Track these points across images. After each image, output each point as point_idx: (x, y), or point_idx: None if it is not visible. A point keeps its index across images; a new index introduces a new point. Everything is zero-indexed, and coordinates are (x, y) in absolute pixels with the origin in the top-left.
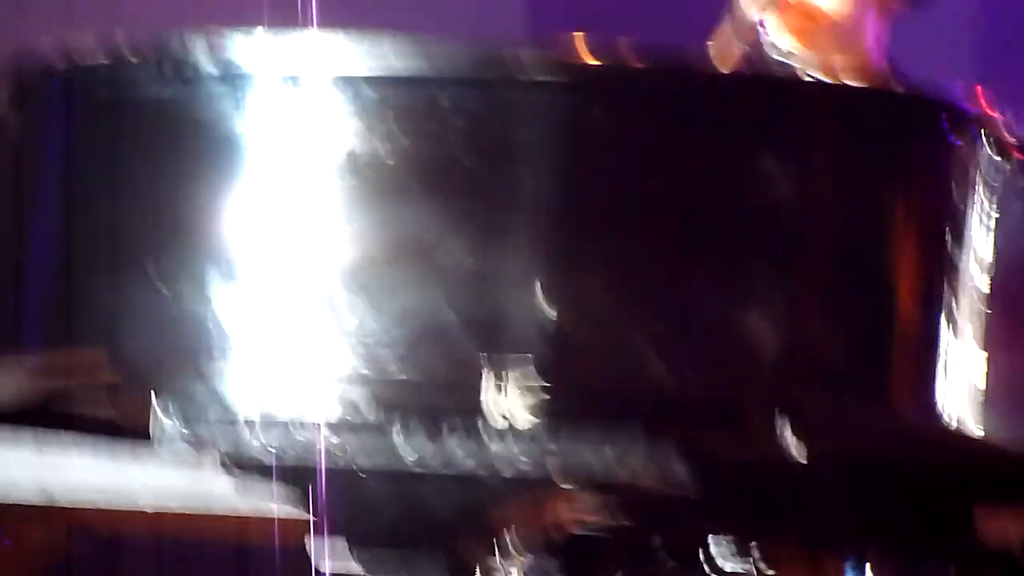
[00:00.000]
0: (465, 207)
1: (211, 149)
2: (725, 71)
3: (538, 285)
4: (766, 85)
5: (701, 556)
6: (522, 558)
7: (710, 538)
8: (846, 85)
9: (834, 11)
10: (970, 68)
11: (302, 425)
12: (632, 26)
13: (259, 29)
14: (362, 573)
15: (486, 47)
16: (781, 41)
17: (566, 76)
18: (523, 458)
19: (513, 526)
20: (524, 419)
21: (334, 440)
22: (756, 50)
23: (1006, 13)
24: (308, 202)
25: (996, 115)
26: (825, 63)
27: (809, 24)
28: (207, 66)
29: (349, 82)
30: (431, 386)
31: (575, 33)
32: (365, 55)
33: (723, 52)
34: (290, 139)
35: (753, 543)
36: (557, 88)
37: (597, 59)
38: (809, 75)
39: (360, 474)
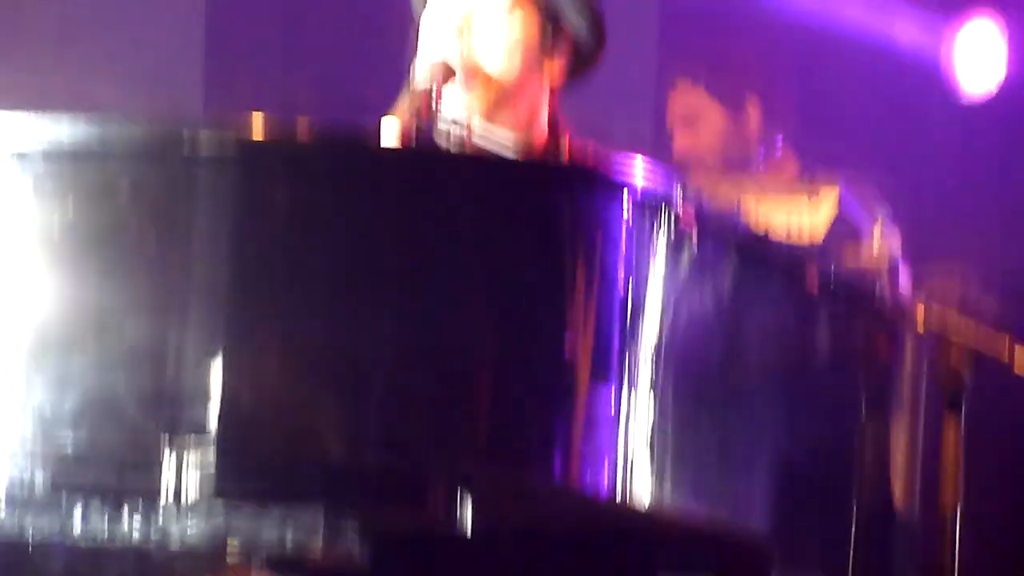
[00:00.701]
0: (144, 285)
1: None
2: (397, 143)
3: (217, 363)
4: (428, 159)
5: None
6: None
7: None
8: (504, 158)
9: (500, 75)
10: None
11: None
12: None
13: None
14: None
15: (161, 125)
16: (452, 109)
17: (241, 153)
18: (199, 535)
19: None
20: (202, 497)
21: (10, 516)
22: (430, 119)
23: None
24: None
25: (672, 190)
26: (495, 132)
27: (479, 91)
28: None
29: (26, 158)
30: (110, 464)
31: (253, 112)
32: (43, 132)
33: (400, 124)
34: None
35: None
36: (232, 164)
37: (271, 136)
38: (475, 145)
39: (34, 550)
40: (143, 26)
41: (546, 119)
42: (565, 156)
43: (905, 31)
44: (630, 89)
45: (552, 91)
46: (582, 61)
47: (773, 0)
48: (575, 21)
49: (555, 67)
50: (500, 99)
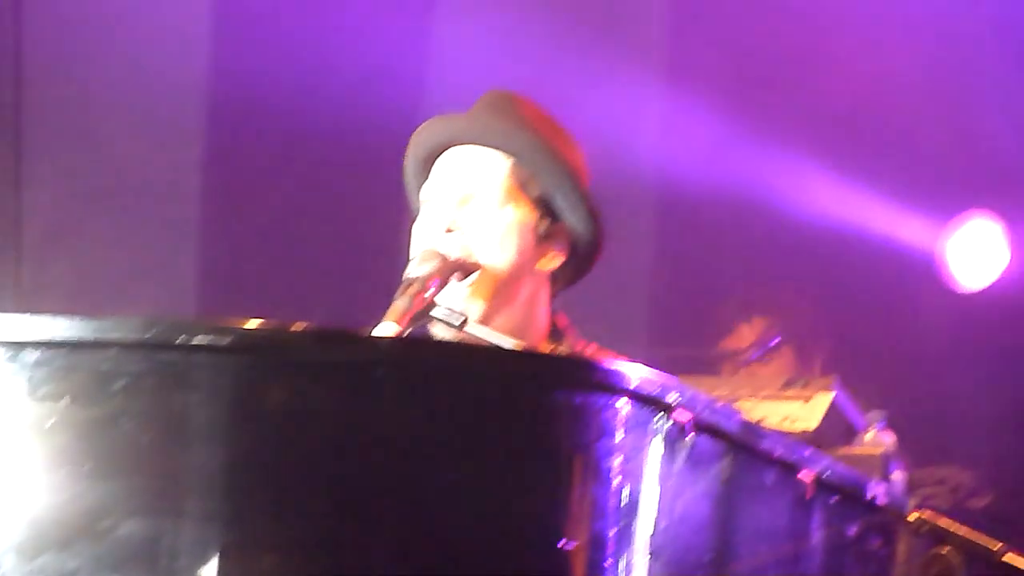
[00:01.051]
0: (138, 482)
1: None
2: (392, 332)
3: (211, 565)
4: (424, 350)
5: None
6: None
7: None
8: (501, 350)
9: (495, 269)
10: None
11: None
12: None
13: None
14: None
15: (157, 321)
16: (448, 299)
17: (236, 350)
18: None
19: None
20: None
21: None
22: (425, 309)
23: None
24: None
25: (666, 391)
26: (492, 323)
27: (475, 284)
28: None
29: (20, 356)
30: None
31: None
32: (38, 331)
33: (395, 312)
34: None
35: None
36: (228, 361)
37: (267, 333)
38: (471, 335)
39: None
40: (139, 233)
41: (545, 314)
42: (565, 354)
43: (904, 230)
44: (625, 285)
45: (552, 287)
46: (582, 258)
47: (765, 199)
48: (571, 219)
49: (552, 262)
50: (495, 292)
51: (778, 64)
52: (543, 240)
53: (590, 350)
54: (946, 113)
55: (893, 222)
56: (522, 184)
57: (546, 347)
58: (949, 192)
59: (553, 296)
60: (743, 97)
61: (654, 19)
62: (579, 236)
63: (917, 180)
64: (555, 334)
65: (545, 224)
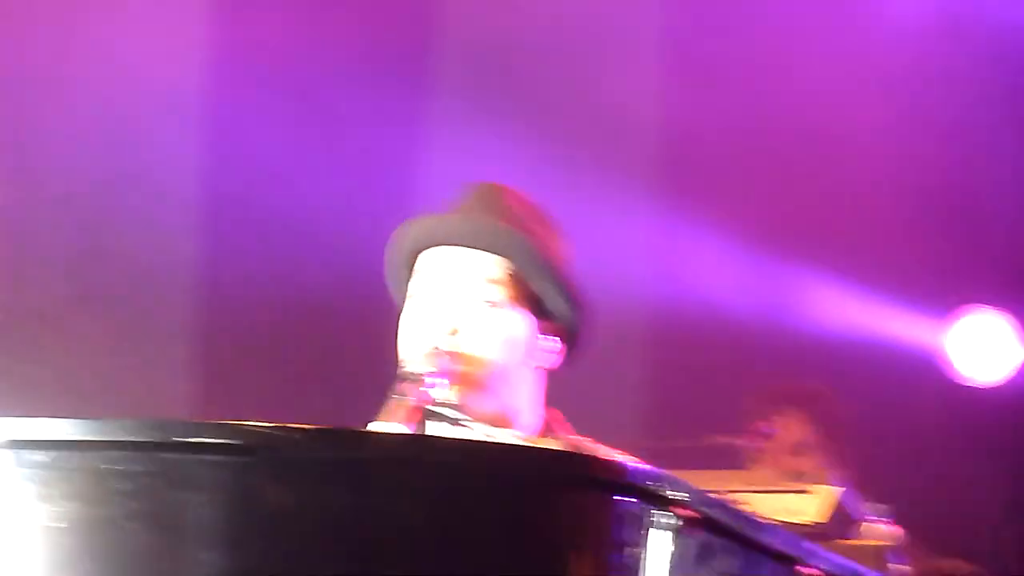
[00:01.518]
0: None
1: None
2: (388, 426)
3: None
4: (422, 447)
5: None
6: None
7: None
8: (499, 444)
9: (492, 366)
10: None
11: None
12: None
13: None
14: None
15: (155, 423)
16: (444, 393)
17: (234, 450)
18: None
19: None
20: None
21: None
22: (425, 404)
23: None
24: None
25: (666, 486)
26: (484, 414)
27: (468, 374)
28: None
29: (20, 456)
30: None
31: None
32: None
33: (395, 407)
34: None
35: None
36: (225, 461)
37: (265, 434)
38: (467, 427)
39: None
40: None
41: (540, 409)
42: (565, 449)
43: (904, 326)
44: (621, 377)
45: (545, 377)
46: (573, 346)
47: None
48: (563, 312)
49: (551, 359)
50: (494, 389)
51: (770, 174)
52: (540, 336)
53: (586, 444)
54: (948, 209)
55: (893, 319)
56: (518, 284)
57: (543, 442)
58: (951, 287)
59: (546, 388)
60: (735, 211)
61: (648, 136)
62: (571, 326)
63: (918, 278)
64: (549, 428)
65: (541, 322)
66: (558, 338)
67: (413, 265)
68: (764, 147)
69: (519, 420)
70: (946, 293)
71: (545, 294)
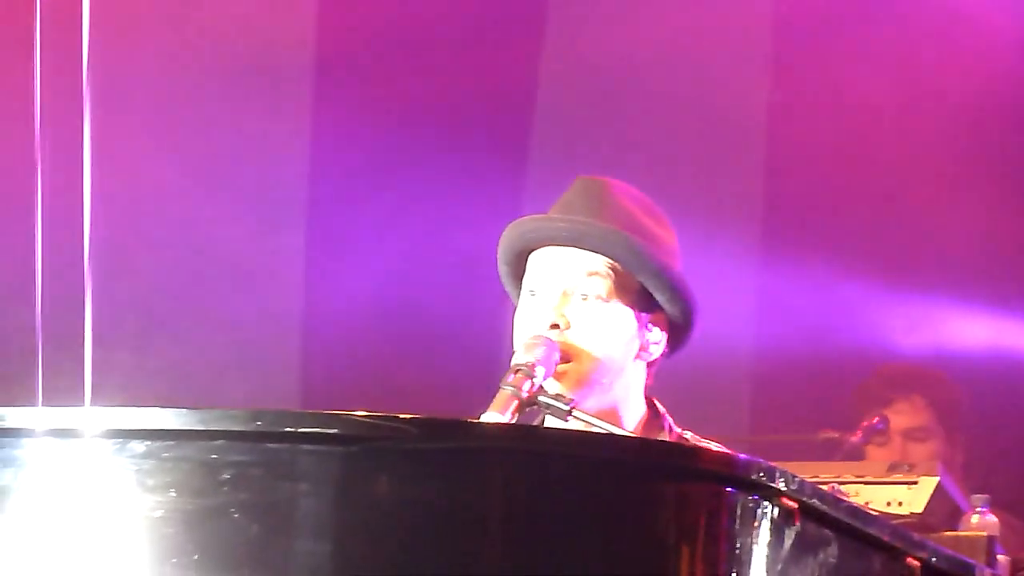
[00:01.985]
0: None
1: None
2: (499, 417)
3: None
4: (532, 438)
5: None
6: None
7: None
8: (610, 435)
9: (600, 360)
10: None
11: None
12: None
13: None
14: None
15: (263, 413)
16: (550, 385)
17: (344, 441)
18: None
19: None
20: None
21: None
22: (532, 394)
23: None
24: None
25: (773, 479)
26: (591, 406)
27: (574, 367)
28: None
29: (127, 448)
30: None
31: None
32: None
33: (503, 398)
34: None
35: None
36: (335, 452)
37: (374, 425)
38: (578, 418)
39: None
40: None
41: (643, 401)
42: (672, 441)
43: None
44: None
45: (651, 370)
46: (677, 338)
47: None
48: (668, 304)
49: (654, 351)
50: (598, 380)
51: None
52: (644, 329)
53: (688, 436)
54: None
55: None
56: (622, 279)
57: (648, 434)
58: None
59: (648, 380)
60: (837, 252)
61: (753, 188)
62: (676, 319)
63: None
64: (652, 420)
65: (645, 315)
66: (663, 330)
67: (522, 264)
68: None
69: (625, 412)
70: None
71: (649, 286)
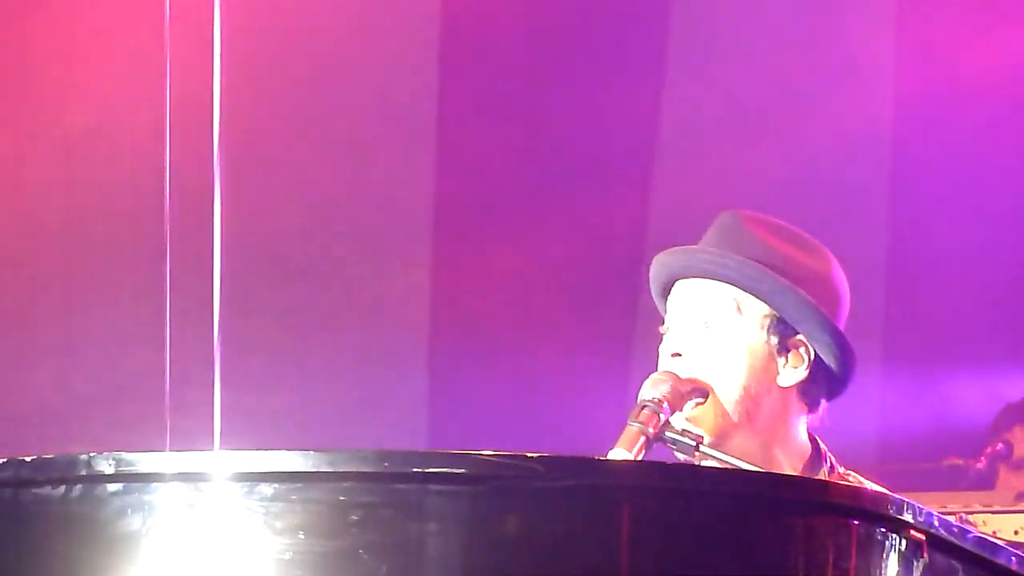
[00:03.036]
0: None
1: (121, 556)
2: (627, 455)
3: None
4: (660, 474)
5: None
6: None
7: None
8: (737, 470)
9: (727, 389)
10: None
11: None
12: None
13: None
14: None
15: (391, 455)
16: (677, 420)
17: (472, 480)
18: None
19: None
20: None
21: None
22: (659, 430)
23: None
24: None
25: (900, 511)
26: (731, 444)
27: (710, 408)
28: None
29: (256, 490)
30: None
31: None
32: (272, 465)
33: (630, 435)
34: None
35: None
36: (464, 491)
37: (502, 464)
38: (706, 455)
39: None
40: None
41: (799, 435)
42: (798, 476)
43: None
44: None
45: (808, 406)
46: (833, 380)
47: None
48: (803, 330)
49: (791, 377)
50: (728, 412)
51: None
52: (778, 354)
53: (851, 476)
54: None
55: None
56: (750, 307)
57: (808, 474)
58: None
59: (811, 419)
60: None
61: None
62: (821, 347)
63: None
64: (815, 460)
65: (776, 339)
66: (801, 356)
67: (668, 296)
68: None
69: (782, 449)
70: None
71: (776, 309)
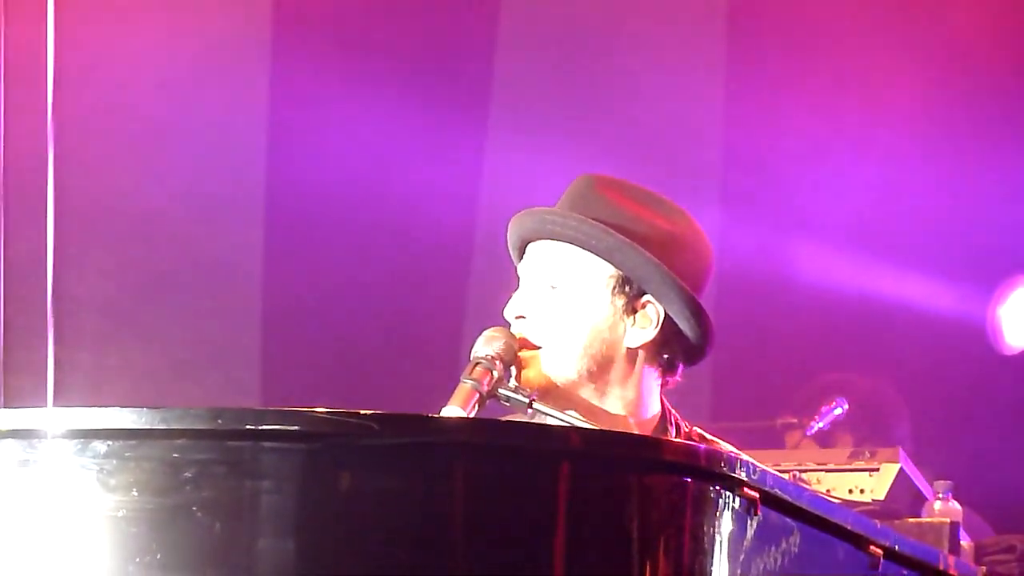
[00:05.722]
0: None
1: None
2: (459, 410)
3: None
4: (492, 430)
5: None
6: None
7: None
8: (569, 427)
9: (564, 347)
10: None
11: None
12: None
13: None
14: None
15: (225, 411)
16: (511, 378)
17: (305, 437)
18: None
19: None
20: None
21: None
22: (492, 387)
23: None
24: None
25: (734, 468)
26: (573, 403)
27: (537, 357)
28: None
29: (89, 447)
30: None
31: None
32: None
33: (463, 392)
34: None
35: None
36: (296, 449)
37: (335, 422)
38: (538, 412)
39: None
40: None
41: (649, 397)
42: (631, 433)
43: (951, 298)
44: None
45: (661, 370)
46: (688, 343)
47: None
48: (651, 290)
49: (637, 338)
50: (571, 371)
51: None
52: (626, 315)
53: (695, 434)
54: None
55: (942, 293)
56: (596, 268)
57: (657, 433)
58: (1001, 260)
59: (665, 383)
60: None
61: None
62: (671, 308)
63: (967, 253)
64: (663, 419)
65: (623, 299)
66: (650, 318)
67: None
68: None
69: (634, 409)
70: (996, 264)
71: (625, 271)
